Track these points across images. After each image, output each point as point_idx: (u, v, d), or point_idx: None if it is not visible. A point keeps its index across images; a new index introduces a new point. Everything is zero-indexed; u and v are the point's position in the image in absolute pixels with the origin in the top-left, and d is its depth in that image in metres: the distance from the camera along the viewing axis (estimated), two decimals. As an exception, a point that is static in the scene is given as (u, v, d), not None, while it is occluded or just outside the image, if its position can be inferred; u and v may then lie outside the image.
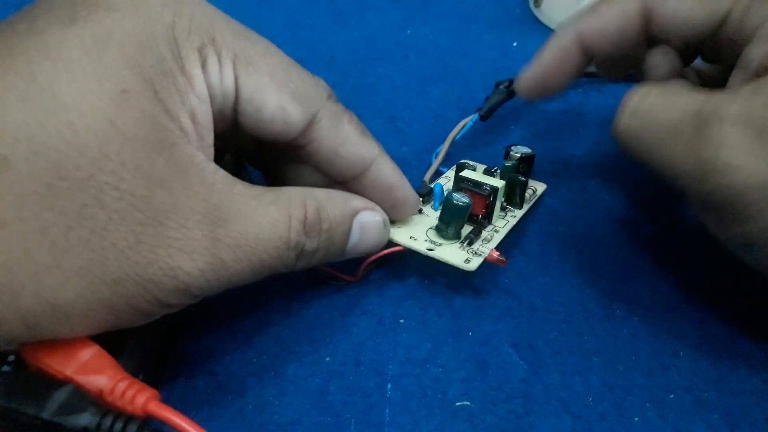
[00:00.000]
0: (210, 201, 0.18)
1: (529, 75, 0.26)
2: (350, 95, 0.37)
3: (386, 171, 0.23)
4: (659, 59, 0.26)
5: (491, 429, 0.21)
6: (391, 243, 0.25)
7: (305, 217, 0.20)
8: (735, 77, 0.23)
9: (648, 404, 0.22)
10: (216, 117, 0.20)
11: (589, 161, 0.33)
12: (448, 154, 0.31)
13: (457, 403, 0.22)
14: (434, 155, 0.31)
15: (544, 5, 0.45)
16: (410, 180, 0.31)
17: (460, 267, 0.23)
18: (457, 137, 0.31)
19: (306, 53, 0.40)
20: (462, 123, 0.31)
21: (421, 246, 0.24)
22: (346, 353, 0.23)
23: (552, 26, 0.45)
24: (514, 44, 0.43)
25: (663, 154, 0.22)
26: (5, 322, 0.16)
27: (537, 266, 0.27)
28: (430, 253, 0.24)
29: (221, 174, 0.19)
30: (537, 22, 0.46)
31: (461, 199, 0.24)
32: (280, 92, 0.20)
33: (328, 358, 0.23)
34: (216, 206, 0.18)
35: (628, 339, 0.24)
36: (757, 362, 0.23)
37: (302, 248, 0.20)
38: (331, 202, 0.21)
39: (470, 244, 0.25)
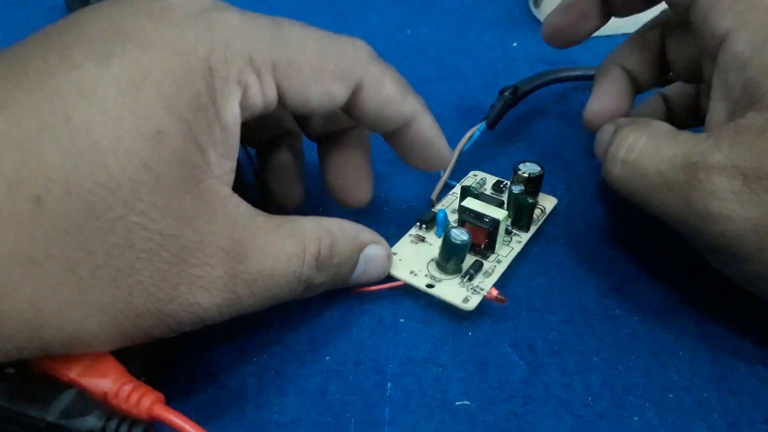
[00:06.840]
0: (233, 237, 0.18)
1: (555, 20, 0.27)
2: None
3: (425, 126, 0.23)
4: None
5: (491, 428, 0.21)
6: (391, 277, 0.25)
7: (319, 253, 0.21)
8: (717, 108, 0.22)
9: (647, 404, 0.22)
10: (260, 121, 0.20)
11: (589, 162, 0.33)
12: (458, 163, 0.30)
13: (457, 403, 0.22)
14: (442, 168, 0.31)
15: (543, 5, 0.45)
16: (411, 181, 0.31)
17: (459, 306, 0.24)
18: (465, 148, 0.30)
19: (306, 53, 0.40)
20: (469, 133, 0.31)
21: (420, 282, 0.25)
22: (346, 352, 0.23)
23: (552, 25, 0.45)
24: (514, 44, 0.43)
25: (656, 203, 0.22)
26: (23, 350, 0.16)
27: (536, 266, 0.27)
28: (430, 291, 0.24)
29: (243, 207, 0.19)
30: (537, 22, 0.46)
31: (460, 236, 0.24)
32: (322, 79, 0.20)
33: (328, 358, 0.23)
34: (238, 242, 0.18)
35: (627, 338, 0.24)
36: (756, 361, 0.23)
37: (312, 281, 0.21)
38: (344, 236, 0.22)
39: (470, 279, 0.25)
